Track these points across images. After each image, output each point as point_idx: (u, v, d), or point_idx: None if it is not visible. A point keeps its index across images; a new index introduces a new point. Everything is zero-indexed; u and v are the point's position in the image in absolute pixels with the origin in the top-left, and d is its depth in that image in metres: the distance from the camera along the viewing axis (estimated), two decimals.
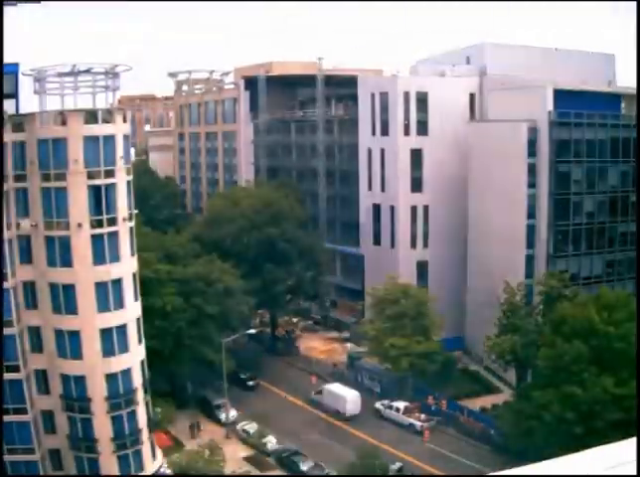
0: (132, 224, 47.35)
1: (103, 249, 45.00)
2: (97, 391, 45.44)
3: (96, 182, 44.42)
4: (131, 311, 47.11)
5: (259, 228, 71.54)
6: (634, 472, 7.26)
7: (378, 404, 62.38)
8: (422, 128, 73.69)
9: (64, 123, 44.19)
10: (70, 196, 43.98)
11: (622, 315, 46.44)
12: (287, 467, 53.78)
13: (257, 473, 53.60)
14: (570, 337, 46.88)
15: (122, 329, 46.19)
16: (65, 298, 44.78)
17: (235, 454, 55.32)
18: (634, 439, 7.96)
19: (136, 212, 50.50)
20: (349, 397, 61.86)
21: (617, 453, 7.69)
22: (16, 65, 45.59)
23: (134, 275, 47.65)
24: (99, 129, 44.63)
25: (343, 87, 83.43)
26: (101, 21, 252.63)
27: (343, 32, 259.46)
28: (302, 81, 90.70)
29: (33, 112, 45.02)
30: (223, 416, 60.34)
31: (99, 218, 44.69)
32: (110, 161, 44.91)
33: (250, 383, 67.99)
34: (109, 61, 46.96)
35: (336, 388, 63.83)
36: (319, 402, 63.78)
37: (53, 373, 45.83)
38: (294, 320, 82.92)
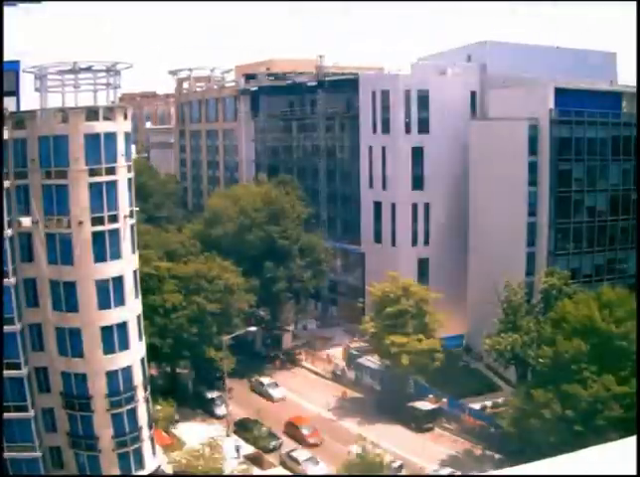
0: (133, 221, 47.39)
1: (104, 247, 45.02)
2: (98, 388, 45.50)
3: (97, 179, 44.44)
4: (132, 308, 47.16)
5: (260, 225, 71.55)
6: (634, 472, 7.24)
7: None
8: (423, 126, 73.58)
9: (65, 121, 44.18)
10: (71, 193, 44.01)
11: (623, 313, 46.42)
12: None
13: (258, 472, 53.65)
14: (571, 335, 46.87)
15: (123, 326, 46.25)
16: (65, 296, 44.81)
17: None
18: (634, 438, 7.94)
19: (137, 209, 50.51)
20: None
21: (617, 453, 7.67)
22: (17, 62, 45.60)
23: (135, 273, 47.70)
24: (100, 127, 44.62)
25: (344, 85, 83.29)
26: (101, 20, 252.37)
27: (343, 30, 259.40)
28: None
29: (34, 110, 45.05)
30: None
31: (100, 215, 44.68)
32: (111, 158, 44.94)
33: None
34: (110, 58, 46.95)
35: None
36: None
37: (53, 370, 45.87)
38: (294, 318, 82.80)
